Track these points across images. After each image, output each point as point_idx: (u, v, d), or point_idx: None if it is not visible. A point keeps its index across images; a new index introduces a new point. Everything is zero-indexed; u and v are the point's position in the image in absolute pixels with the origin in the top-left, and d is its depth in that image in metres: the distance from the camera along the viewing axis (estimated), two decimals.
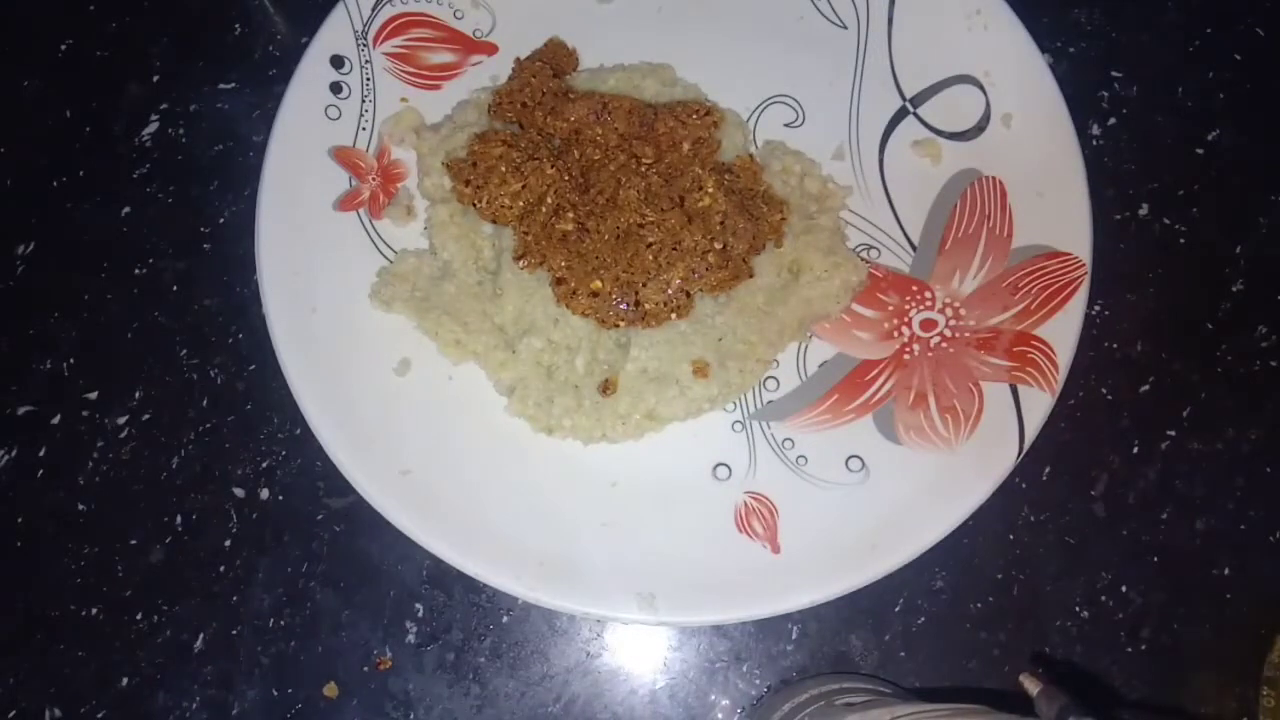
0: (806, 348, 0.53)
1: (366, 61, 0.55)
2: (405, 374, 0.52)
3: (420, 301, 0.52)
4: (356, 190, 0.53)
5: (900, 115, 0.56)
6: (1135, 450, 0.56)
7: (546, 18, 0.57)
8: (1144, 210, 0.59)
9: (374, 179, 0.54)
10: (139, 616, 0.53)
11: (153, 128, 0.59)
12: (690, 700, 0.53)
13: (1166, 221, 0.59)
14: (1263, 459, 0.56)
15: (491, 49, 0.57)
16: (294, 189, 0.52)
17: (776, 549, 0.49)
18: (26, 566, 0.54)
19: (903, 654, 0.53)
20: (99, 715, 0.52)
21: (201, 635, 0.53)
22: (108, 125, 0.59)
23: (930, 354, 0.52)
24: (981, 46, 0.55)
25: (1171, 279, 0.55)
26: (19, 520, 0.54)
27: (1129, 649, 0.54)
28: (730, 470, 0.51)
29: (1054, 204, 0.52)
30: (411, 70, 0.56)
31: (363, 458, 0.49)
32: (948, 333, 0.52)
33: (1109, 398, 0.56)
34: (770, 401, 0.52)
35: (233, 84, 0.60)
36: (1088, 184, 0.52)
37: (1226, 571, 0.54)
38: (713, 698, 0.53)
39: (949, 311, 0.53)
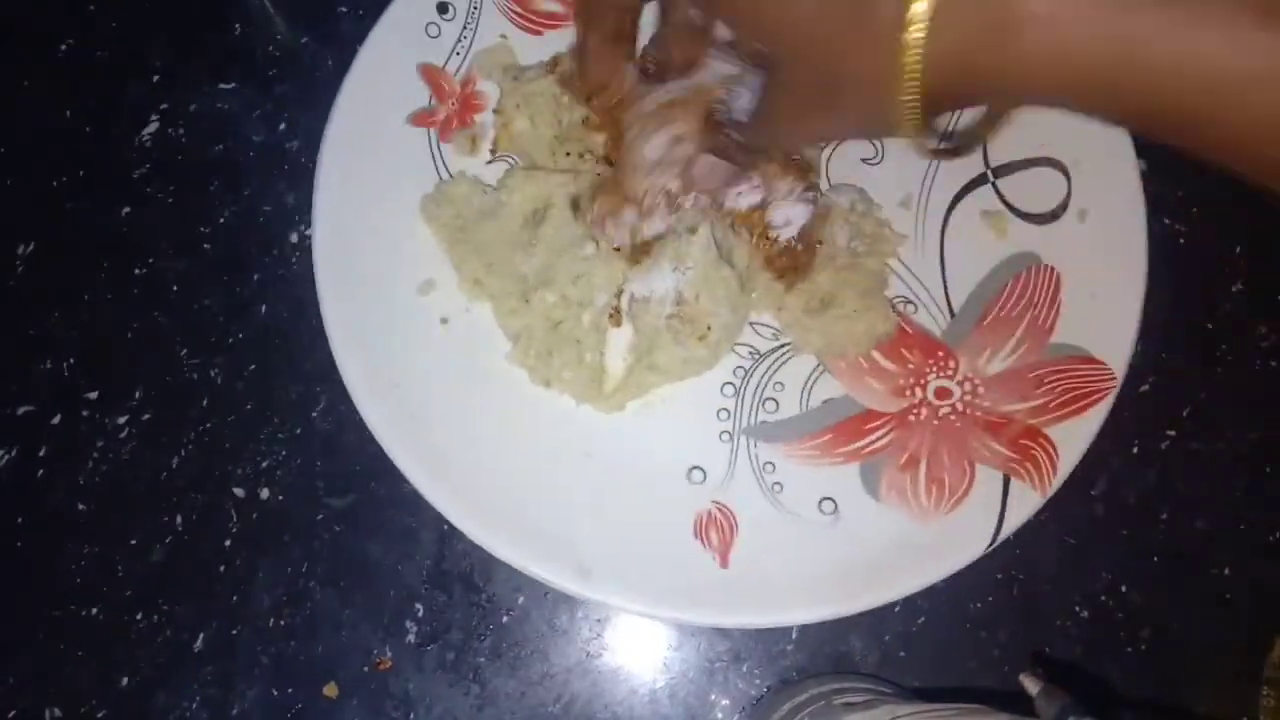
0: (815, 380, 0.52)
1: None
2: (428, 294, 0.52)
3: (457, 231, 0.52)
4: (433, 110, 0.54)
5: (978, 181, 0.55)
6: (1135, 450, 0.56)
7: None
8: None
9: (453, 104, 0.54)
10: (139, 616, 0.53)
11: (152, 128, 0.59)
12: (690, 700, 0.53)
13: (1166, 221, 0.59)
14: (1263, 459, 0.56)
15: None
16: (374, 94, 0.52)
17: (725, 563, 0.49)
18: (26, 566, 0.54)
19: (903, 654, 0.53)
20: (99, 715, 0.52)
21: (201, 635, 0.53)
22: (107, 125, 0.59)
23: (936, 422, 0.51)
24: (1078, 134, 0.53)
25: (1172, 279, 0.55)
26: (19, 520, 0.54)
27: (1129, 649, 0.54)
28: (705, 476, 0.51)
29: (1104, 309, 0.51)
30: (519, 10, 0.55)
31: (359, 359, 0.49)
32: (960, 406, 0.51)
33: None
34: (764, 421, 0.52)
35: (233, 84, 0.60)
36: (1144, 299, 0.51)
37: (1227, 571, 0.55)
38: (713, 697, 0.53)
39: (967, 386, 0.52)
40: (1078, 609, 0.54)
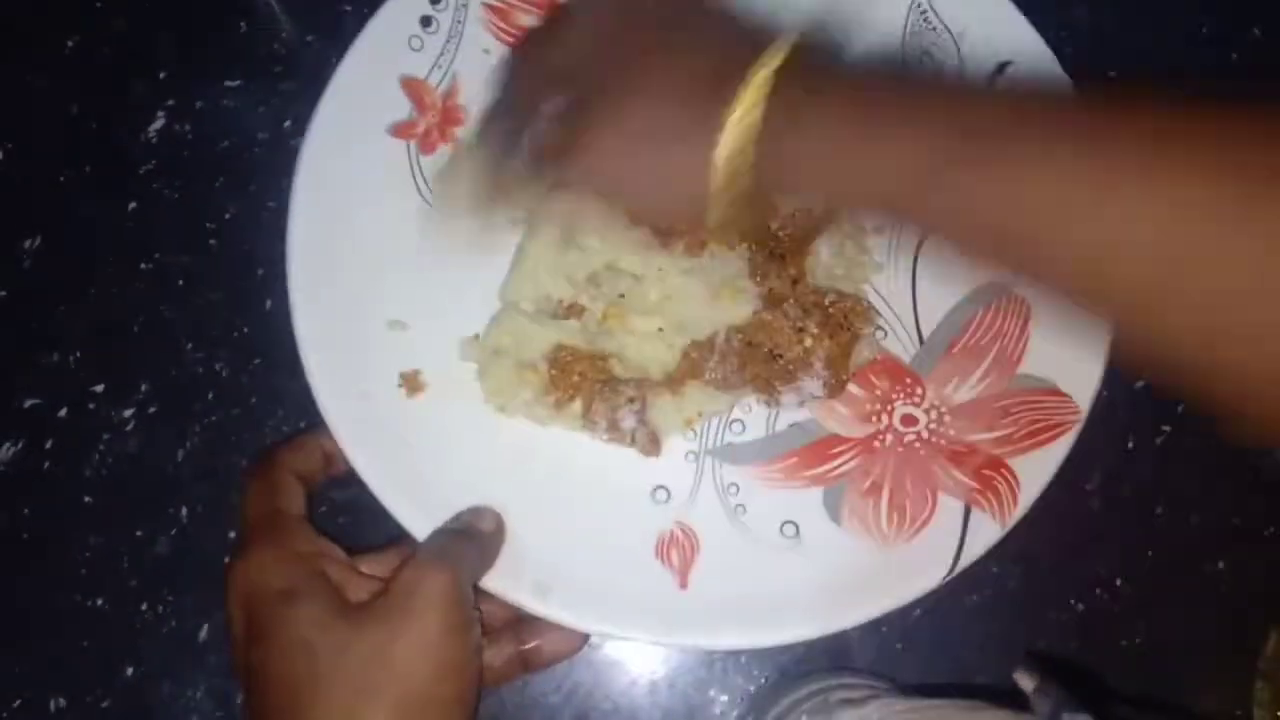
0: (782, 404, 0.52)
1: (463, 4, 0.54)
2: (401, 326, 0.51)
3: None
4: (414, 121, 0.53)
5: None
6: (1130, 445, 0.56)
7: None
8: None
9: (434, 116, 0.53)
10: (144, 607, 0.53)
11: (158, 124, 0.60)
12: (689, 691, 0.53)
13: None
14: (1257, 455, 0.56)
15: None
16: (356, 104, 0.52)
17: (684, 584, 0.48)
18: (32, 557, 0.54)
19: (899, 648, 0.54)
20: (103, 705, 0.52)
21: (206, 626, 0.53)
22: (114, 122, 0.60)
23: (900, 449, 0.51)
24: None
25: None
26: (25, 511, 0.55)
27: (1124, 643, 0.54)
28: (669, 495, 0.50)
29: (1072, 343, 0.50)
30: (502, 26, 0.54)
31: (328, 357, 0.48)
32: (925, 434, 0.51)
33: (1104, 393, 0.56)
34: (730, 443, 0.51)
35: (238, 81, 0.60)
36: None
37: (1220, 566, 0.55)
38: (712, 692, 0.53)
39: (933, 414, 0.51)
40: (1073, 603, 0.54)
